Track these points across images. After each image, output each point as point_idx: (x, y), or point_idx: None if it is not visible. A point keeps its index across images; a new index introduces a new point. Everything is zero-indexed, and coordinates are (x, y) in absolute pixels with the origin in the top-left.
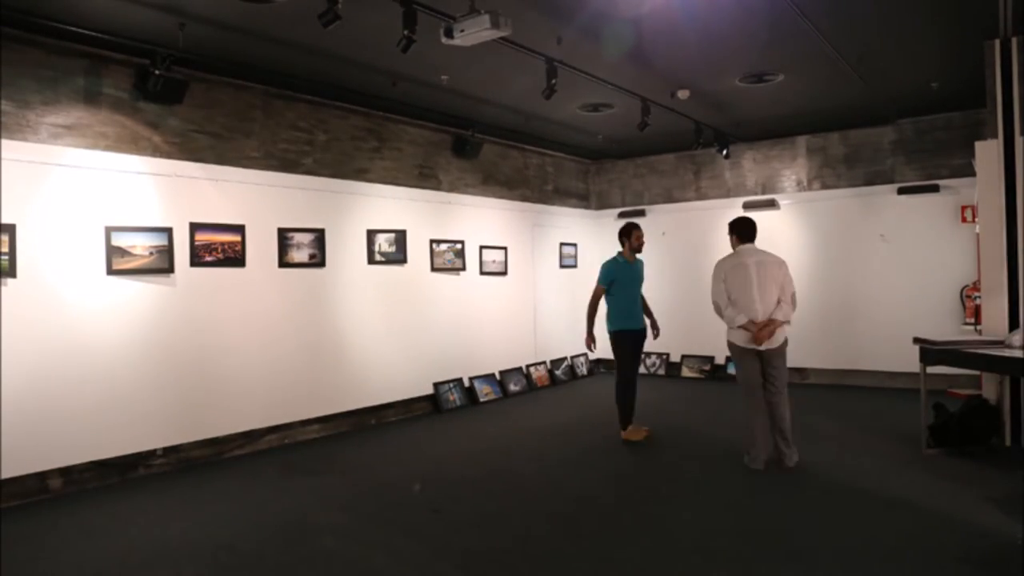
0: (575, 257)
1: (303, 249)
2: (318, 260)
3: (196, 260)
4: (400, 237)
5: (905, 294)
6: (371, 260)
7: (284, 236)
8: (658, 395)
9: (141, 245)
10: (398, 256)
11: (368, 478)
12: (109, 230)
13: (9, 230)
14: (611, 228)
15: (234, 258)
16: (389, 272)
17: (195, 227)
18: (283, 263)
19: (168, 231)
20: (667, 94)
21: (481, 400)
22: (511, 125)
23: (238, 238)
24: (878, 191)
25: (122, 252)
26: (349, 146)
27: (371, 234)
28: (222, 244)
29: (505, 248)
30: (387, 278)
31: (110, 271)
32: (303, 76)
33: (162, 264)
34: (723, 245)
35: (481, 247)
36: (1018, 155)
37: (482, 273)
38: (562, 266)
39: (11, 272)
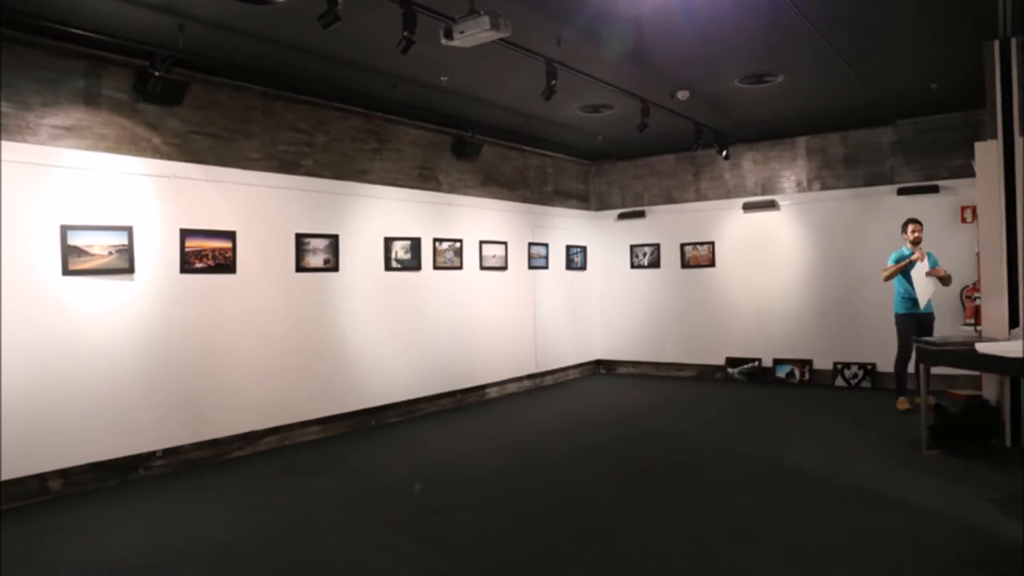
0: (545, 258)
1: (319, 254)
2: (332, 264)
3: (186, 267)
4: (415, 244)
5: None
6: (388, 266)
7: (301, 240)
8: (658, 395)
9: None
10: (413, 263)
11: (368, 479)
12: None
13: None
14: (611, 229)
15: (225, 264)
16: (390, 277)
17: (185, 233)
18: (300, 268)
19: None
20: (667, 95)
21: (482, 400)
22: (511, 126)
23: (229, 244)
24: (878, 192)
25: (79, 252)
26: (349, 147)
27: (388, 241)
28: (212, 251)
29: (505, 243)
30: (387, 282)
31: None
32: (303, 77)
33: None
34: (724, 245)
35: (481, 241)
36: (1018, 155)
37: (482, 268)
38: (531, 267)
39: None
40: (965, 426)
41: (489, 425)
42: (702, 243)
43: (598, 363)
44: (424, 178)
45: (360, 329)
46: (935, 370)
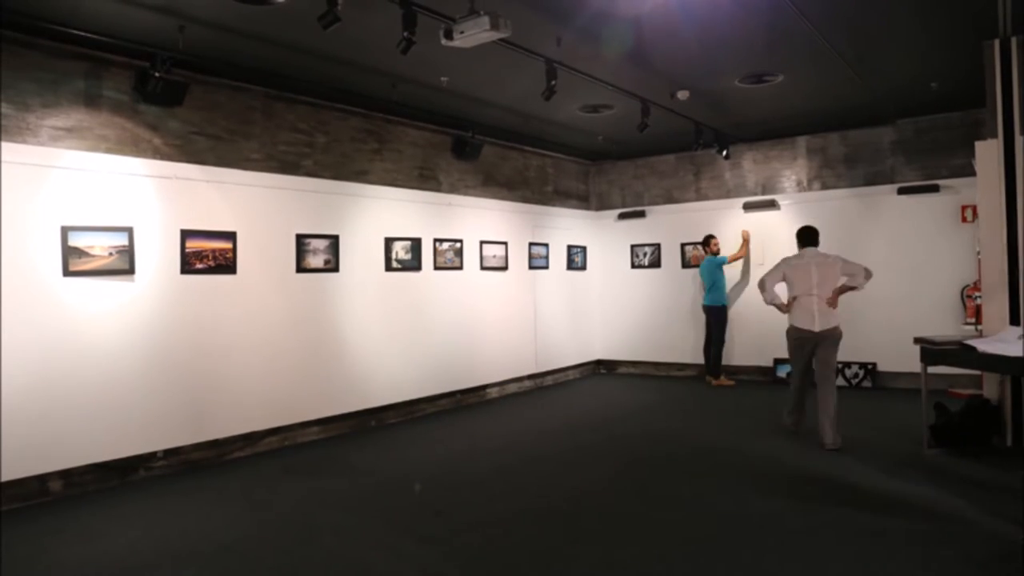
0: (546, 258)
1: (319, 254)
2: (333, 264)
3: (187, 268)
4: (416, 245)
5: (906, 294)
6: (388, 267)
7: (301, 241)
8: (659, 395)
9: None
10: (413, 263)
11: (368, 479)
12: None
13: None
14: (611, 229)
15: (225, 265)
16: (390, 277)
17: (185, 233)
18: (300, 268)
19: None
20: (667, 95)
21: (482, 401)
22: (511, 126)
23: (229, 245)
24: (878, 191)
25: (79, 253)
26: (349, 148)
27: (388, 241)
28: (213, 251)
29: (506, 243)
30: (387, 282)
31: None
32: (303, 78)
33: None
34: (725, 245)
35: (481, 242)
36: (1018, 155)
37: (483, 268)
38: (532, 267)
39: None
40: (966, 425)
41: (489, 425)
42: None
43: (598, 363)
44: (424, 178)
45: (360, 329)
46: (936, 369)
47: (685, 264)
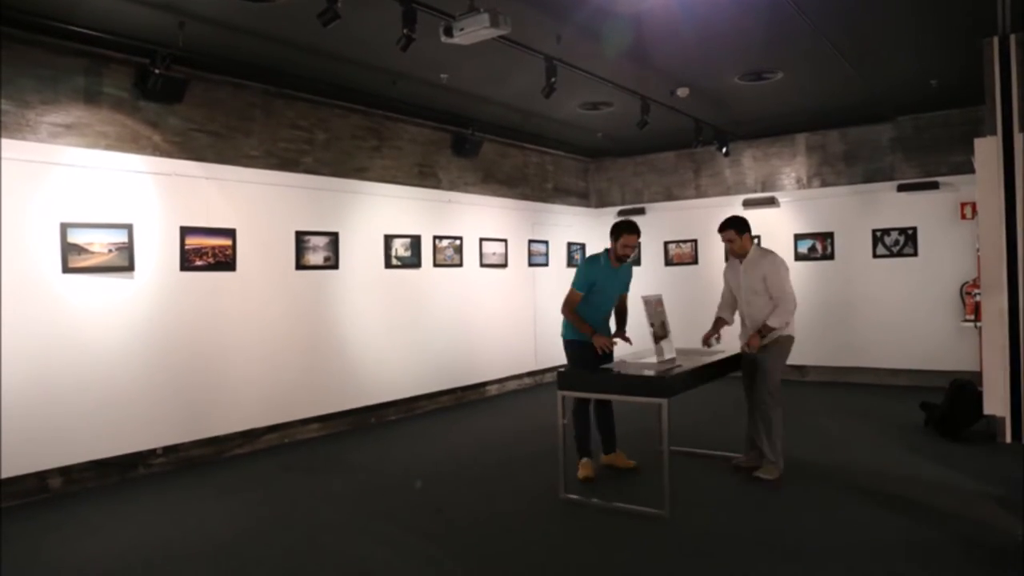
0: (545, 255)
1: (319, 251)
2: (332, 261)
3: (186, 265)
4: (415, 242)
5: (905, 291)
6: (388, 264)
7: (301, 238)
8: None
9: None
10: (413, 260)
11: (368, 476)
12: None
13: None
14: (611, 226)
15: (225, 262)
16: (390, 274)
17: (185, 230)
18: (300, 265)
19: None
20: (666, 92)
21: (482, 398)
22: (511, 123)
23: (229, 242)
24: (878, 188)
25: (79, 249)
26: (349, 145)
27: (388, 238)
28: (213, 248)
29: (505, 241)
30: (387, 279)
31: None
32: (303, 75)
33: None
34: (719, 244)
35: (481, 239)
36: (1017, 152)
37: (482, 265)
38: (531, 264)
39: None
40: (952, 412)
41: (489, 422)
42: (699, 242)
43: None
44: (424, 175)
45: (360, 326)
46: (935, 368)
47: (686, 261)
